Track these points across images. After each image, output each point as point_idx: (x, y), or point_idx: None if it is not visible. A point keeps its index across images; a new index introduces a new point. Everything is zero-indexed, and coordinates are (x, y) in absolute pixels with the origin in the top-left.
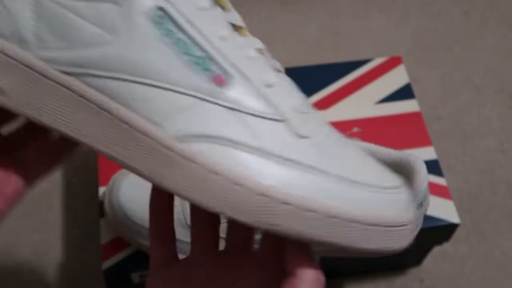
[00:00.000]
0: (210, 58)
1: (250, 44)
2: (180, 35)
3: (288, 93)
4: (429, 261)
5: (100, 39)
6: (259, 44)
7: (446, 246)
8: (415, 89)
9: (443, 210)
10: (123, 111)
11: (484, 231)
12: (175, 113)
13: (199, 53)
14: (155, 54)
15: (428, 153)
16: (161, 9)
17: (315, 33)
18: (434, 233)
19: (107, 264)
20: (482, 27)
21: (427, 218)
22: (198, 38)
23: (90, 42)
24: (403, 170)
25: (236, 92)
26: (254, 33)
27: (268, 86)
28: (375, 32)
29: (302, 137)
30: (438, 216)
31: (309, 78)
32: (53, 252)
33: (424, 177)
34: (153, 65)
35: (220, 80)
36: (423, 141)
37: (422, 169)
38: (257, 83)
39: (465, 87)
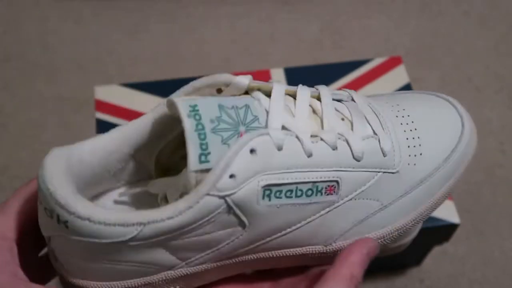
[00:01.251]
0: (315, 183)
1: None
2: (286, 188)
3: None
4: (429, 261)
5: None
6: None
7: (446, 246)
8: (415, 88)
9: (443, 210)
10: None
11: (484, 231)
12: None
13: (306, 187)
14: (282, 213)
15: None
16: (266, 186)
17: (315, 33)
18: (434, 233)
19: None
20: (482, 27)
21: (427, 218)
22: (301, 178)
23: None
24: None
25: (343, 187)
26: (254, 33)
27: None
28: (375, 32)
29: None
30: (438, 216)
31: (309, 78)
32: None
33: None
34: (288, 218)
35: (331, 189)
36: None
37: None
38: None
39: (465, 87)
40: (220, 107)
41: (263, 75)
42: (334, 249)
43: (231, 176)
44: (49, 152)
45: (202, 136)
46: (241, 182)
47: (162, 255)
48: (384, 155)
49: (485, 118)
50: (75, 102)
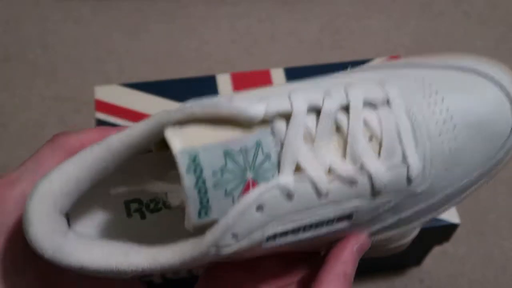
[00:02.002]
0: (325, 220)
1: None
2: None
3: None
4: (429, 261)
5: None
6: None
7: (446, 246)
8: None
9: None
10: None
11: (484, 231)
12: None
13: (315, 224)
14: (284, 246)
15: None
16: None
17: (315, 33)
18: (434, 233)
19: None
20: (482, 27)
21: None
22: None
23: None
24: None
25: (357, 215)
26: (254, 33)
27: None
28: (375, 32)
29: None
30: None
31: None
32: None
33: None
34: None
35: (343, 219)
36: None
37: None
38: None
39: None
40: (226, 154)
41: (263, 75)
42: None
43: (234, 235)
44: (29, 195)
45: (203, 193)
46: (244, 237)
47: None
48: (409, 183)
49: None
50: (75, 102)
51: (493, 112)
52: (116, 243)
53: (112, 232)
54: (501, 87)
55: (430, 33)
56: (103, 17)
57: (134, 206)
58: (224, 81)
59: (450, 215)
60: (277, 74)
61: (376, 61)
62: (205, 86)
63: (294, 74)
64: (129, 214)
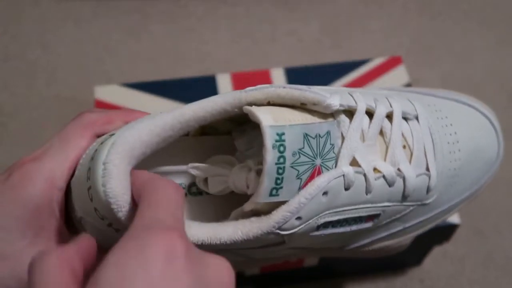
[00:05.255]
0: (362, 217)
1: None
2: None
3: None
4: (429, 261)
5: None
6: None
7: (446, 246)
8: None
9: None
10: None
11: (484, 231)
12: None
13: (354, 219)
14: (322, 238)
15: None
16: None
17: (315, 33)
18: (434, 233)
19: None
20: (482, 27)
21: None
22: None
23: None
24: None
25: (382, 217)
26: (254, 34)
27: None
28: (375, 32)
29: None
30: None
31: (309, 78)
32: None
33: None
34: None
35: (372, 218)
36: None
37: None
38: None
39: (465, 87)
40: (305, 137)
41: (263, 75)
42: (347, 250)
43: (298, 218)
44: (111, 142)
45: (281, 171)
46: (304, 222)
47: None
48: (427, 192)
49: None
50: (75, 102)
51: (486, 141)
52: None
53: None
54: (490, 121)
55: (430, 33)
56: (103, 17)
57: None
58: (224, 81)
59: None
60: (277, 74)
61: (376, 62)
62: (205, 86)
63: (294, 74)
64: None
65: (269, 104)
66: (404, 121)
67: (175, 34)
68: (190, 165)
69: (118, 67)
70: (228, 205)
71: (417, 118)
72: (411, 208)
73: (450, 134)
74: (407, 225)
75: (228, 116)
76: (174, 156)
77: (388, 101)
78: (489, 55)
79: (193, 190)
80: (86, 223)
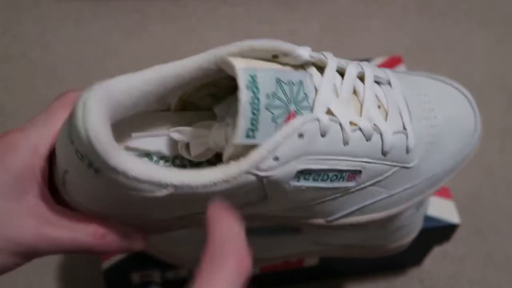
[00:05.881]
0: (342, 171)
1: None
2: (317, 172)
3: None
4: (429, 261)
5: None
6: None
7: (446, 246)
8: None
9: (443, 210)
10: None
11: (484, 231)
12: None
13: (333, 173)
14: (303, 193)
15: None
16: (301, 170)
17: (315, 33)
18: (434, 233)
19: (107, 264)
20: (482, 27)
21: (427, 218)
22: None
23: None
24: None
25: (363, 176)
26: (254, 34)
27: None
28: (375, 32)
29: None
30: (438, 216)
31: None
32: None
33: None
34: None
35: (353, 176)
36: None
37: None
38: None
39: (465, 87)
40: (278, 81)
41: None
42: (333, 224)
43: (275, 158)
44: (90, 88)
45: (255, 112)
46: (282, 164)
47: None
48: (407, 152)
49: (485, 118)
50: None
51: (463, 112)
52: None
53: None
54: (466, 96)
55: (430, 33)
56: (103, 17)
57: (155, 159)
58: None
59: (450, 215)
60: None
61: (376, 62)
62: None
63: None
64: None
65: (243, 57)
66: (376, 85)
67: (175, 34)
68: (172, 129)
69: (118, 67)
70: None
71: (389, 83)
72: (393, 169)
73: (424, 102)
74: (392, 192)
75: (205, 76)
76: (155, 129)
77: (360, 65)
78: (489, 55)
79: (177, 162)
80: (69, 179)
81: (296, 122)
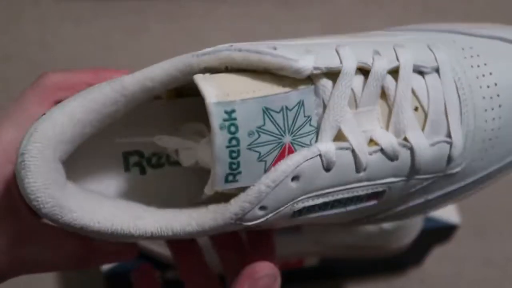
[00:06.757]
0: (359, 196)
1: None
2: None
3: None
4: (429, 261)
5: None
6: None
7: (446, 246)
8: None
9: (443, 210)
10: None
11: (484, 231)
12: None
13: (346, 200)
14: (307, 220)
15: None
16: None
17: (315, 33)
18: (434, 233)
19: (107, 264)
20: None
21: (427, 218)
22: None
23: None
24: None
25: (388, 193)
26: (254, 33)
27: None
28: None
29: None
30: (438, 216)
31: None
32: None
33: None
34: None
35: (375, 197)
36: None
37: None
38: None
39: None
40: (266, 112)
41: None
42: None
43: (262, 208)
44: (35, 129)
45: (234, 155)
46: (272, 211)
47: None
48: (449, 162)
49: None
50: None
51: None
52: (123, 202)
53: (106, 186)
54: None
55: None
56: (103, 17)
57: (133, 159)
58: None
59: (450, 215)
60: None
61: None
62: None
63: None
64: (127, 168)
65: (227, 69)
66: (417, 76)
67: (175, 34)
68: (157, 137)
69: (118, 67)
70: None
71: (437, 70)
72: (430, 180)
73: (488, 86)
74: (430, 197)
75: (180, 85)
76: (139, 123)
77: (395, 52)
78: None
79: (154, 161)
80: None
81: (287, 165)
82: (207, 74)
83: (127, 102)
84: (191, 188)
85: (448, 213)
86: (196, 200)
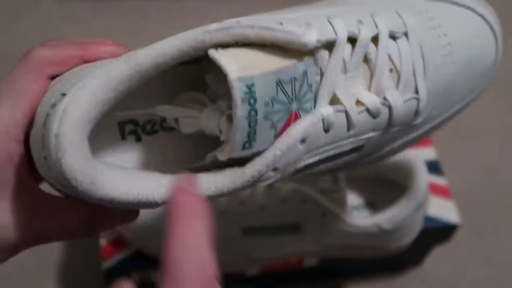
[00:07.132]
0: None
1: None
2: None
3: None
4: (429, 261)
5: None
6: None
7: (446, 246)
8: None
9: (443, 210)
10: None
11: (484, 231)
12: None
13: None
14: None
15: (428, 153)
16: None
17: None
18: (434, 233)
19: (107, 264)
20: None
21: (427, 218)
22: None
23: None
24: (403, 170)
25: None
26: None
27: None
28: None
29: None
30: (438, 216)
31: None
32: (53, 252)
33: (424, 177)
34: None
35: (355, 149)
36: (423, 141)
37: (422, 169)
38: None
39: None
40: (278, 84)
41: None
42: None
43: (275, 169)
44: (64, 111)
45: (253, 124)
46: (282, 171)
47: None
48: (416, 114)
49: (485, 118)
50: None
51: (484, 48)
52: (142, 172)
53: (105, 155)
54: (489, 25)
55: None
56: (103, 17)
57: (129, 127)
58: None
59: (450, 215)
60: None
61: None
62: None
63: None
64: (123, 137)
65: (237, 44)
66: (391, 41)
67: (175, 34)
68: (158, 108)
69: None
70: (204, 140)
71: (406, 34)
72: (398, 132)
73: (444, 46)
74: (395, 145)
75: (187, 56)
76: (138, 92)
77: (374, 21)
78: None
79: (148, 128)
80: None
81: (297, 130)
82: (220, 49)
83: (140, 78)
84: (185, 152)
85: (448, 213)
86: (193, 165)
